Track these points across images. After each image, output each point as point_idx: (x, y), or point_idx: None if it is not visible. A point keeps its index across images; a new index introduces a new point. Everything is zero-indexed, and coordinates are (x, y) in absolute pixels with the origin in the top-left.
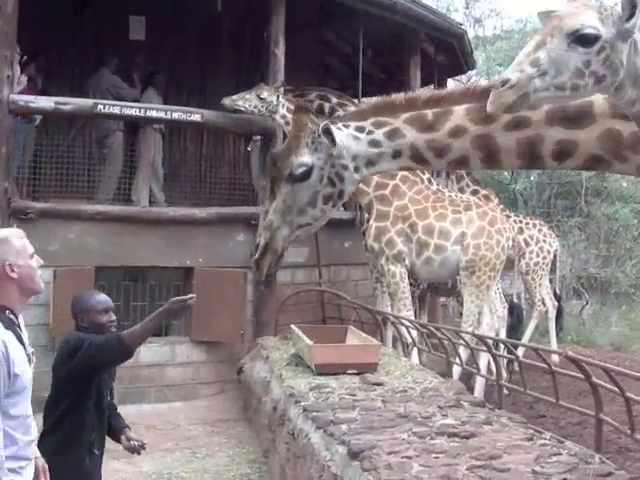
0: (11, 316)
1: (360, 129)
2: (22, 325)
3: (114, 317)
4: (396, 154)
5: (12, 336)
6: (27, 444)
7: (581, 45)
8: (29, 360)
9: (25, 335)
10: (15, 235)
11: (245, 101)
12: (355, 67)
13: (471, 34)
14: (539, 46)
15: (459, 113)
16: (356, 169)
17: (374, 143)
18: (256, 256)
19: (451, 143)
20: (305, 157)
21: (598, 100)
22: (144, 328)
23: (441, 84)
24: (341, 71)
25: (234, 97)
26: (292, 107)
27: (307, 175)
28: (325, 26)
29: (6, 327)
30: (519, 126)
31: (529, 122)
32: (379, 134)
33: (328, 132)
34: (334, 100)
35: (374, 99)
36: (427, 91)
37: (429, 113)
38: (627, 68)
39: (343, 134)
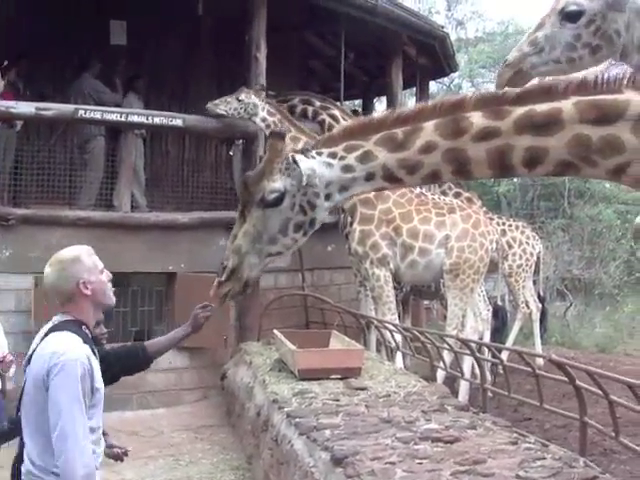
0: (87, 331)
1: (332, 155)
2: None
3: (105, 329)
4: (369, 176)
5: (90, 350)
6: (98, 456)
7: (569, 21)
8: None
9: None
10: (85, 252)
11: (226, 104)
12: (337, 70)
13: (453, 36)
14: (539, 27)
15: (428, 129)
16: (328, 196)
17: (347, 168)
18: (221, 278)
19: (422, 159)
20: (277, 183)
21: (567, 106)
22: (170, 342)
23: (423, 87)
24: (324, 74)
25: (216, 101)
26: (272, 110)
27: (279, 201)
28: (308, 29)
29: (84, 342)
30: (488, 137)
31: (498, 132)
32: (351, 159)
33: (294, 162)
34: (317, 103)
35: (345, 123)
36: (396, 110)
37: (399, 132)
38: (630, 35)
39: (315, 162)
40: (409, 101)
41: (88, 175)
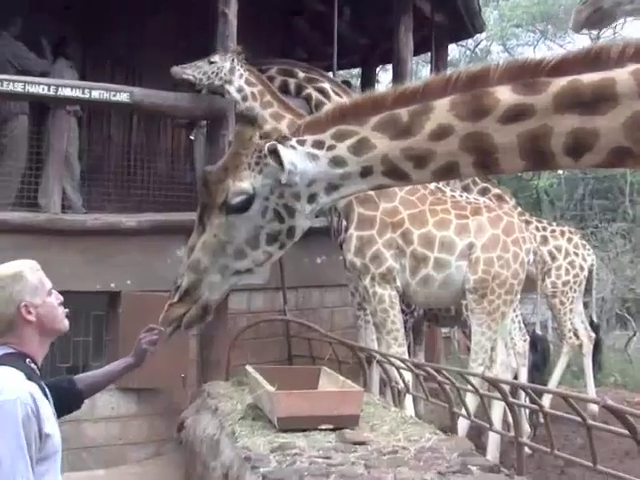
0: (32, 365)
1: (319, 144)
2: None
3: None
4: (365, 172)
5: (37, 389)
6: None
7: None
8: (55, 418)
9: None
10: (29, 268)
11: (195, 68)
12: (329, 31)
13: None
14: None
15: (442, 108)
16: (311, 198)
17: (337, 161)
18: (173, 300)
19: (434, 148)
20: (245, 183)
21: (622, 76)
22: (106, 377)
23: (440, 52)
24: (310, 36)
25: (184, 65)
26: (252, 80)
27: (246, 206)
28: None
29: (29, 378)
30: (519, 117)
31: (532, 111)
32: (342, 148)
33: (274, 153)
34: (301, 75)
35: (335, 102)
36: (399, 86)
37: (404, 113)
38: None
39: (297, 154)
40: (422, 70)
41: (6, 165)
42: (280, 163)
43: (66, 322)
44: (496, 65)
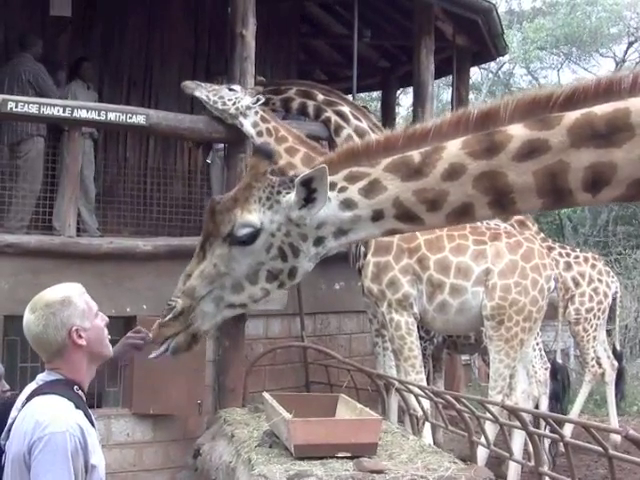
0: (80, 392)
1: (331, 186)
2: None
3: (7, 386)
4: (377, 215)
5: (85, 419)
6: None
7: None
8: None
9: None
10: (77, 292)
11: (210, 90)
12: (349, 52)
13: (502, 8)
14: None
15: (453, 148)
16: (318, 241)
17: (347, 204)
18: (164, 320)
19: (447, 189)
20: (253, 215)
21: (636, 106)
22: None
23: (462, 74)
24: (331, 57)
25: (198, 82)
26: (267, 117)
27: (251, 239)
28: None
29: (77, 407)
30: (534, 153)
31: (547, 146)
32: (354, 191)
33: (305, 185)
34: (320, 97)
35: (347, 145)
36: (409, 126)
37: (415, 154)
38: None
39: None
40: (444, 93)
41: (21, 187)
42: (310, 200)
43: (110, 347)
44: (507, 102)
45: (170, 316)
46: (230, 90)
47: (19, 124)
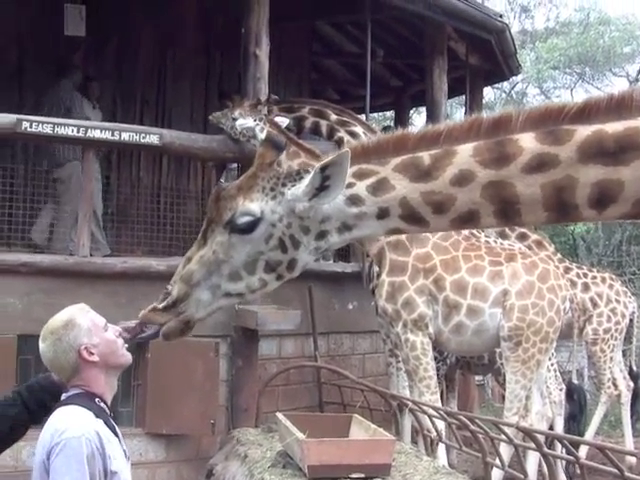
0: (101, 404)
1: None
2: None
3: None
4: (382, 213)
5: (105, 427)
6: None
7: None
8: (125, 456)
9: (118, 428)
10: (79, 312)
11: (226, 120)
12: (361, 71)
13: (515, 28)
14: None
15: (464, 154)
16: (320, 235)
17: (354, 200)
18: (158, 305)
19: (454, 194)
20: (254, 204)
21: None
22: None
23: (475, 94)
24: (343, 77)
25: (218, 113)
26: (274, 132)
27: (251, 228)
28: (323, 17)
29: (97, 416)
30: (543, 167)
31: (556, 161)
32: (361, 187)
33: (323, 171)
34: (333, 117)
35: (357, 141)
36: (422, 128)
37: (425, 156)
38: None
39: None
40: (457, 113)
41: (62, 210)
42: (328, 192)
43: (128, 355)
44: (518, 111)
45: (164, 304)
46: (233, 119)
47: (57, 149)
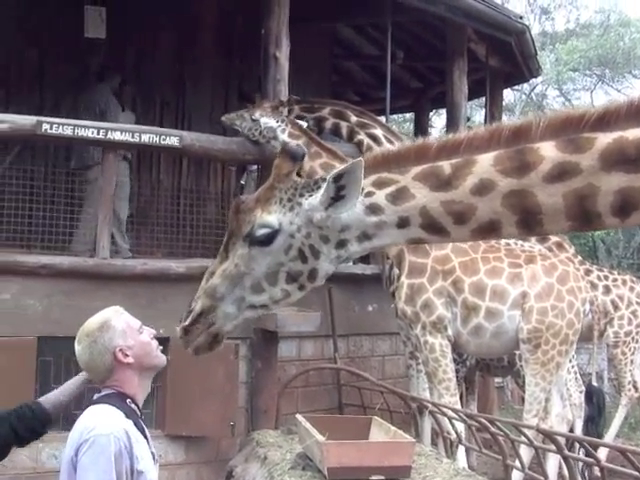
0: (132, 405)
1: None
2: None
3: None
4: (402, 222)
5: (135, 428)
6: None
7: None
8: (154, 458)
9: (147, 430)
10: (114, 314)
11: (242, 121)
12: (381, 74)
13: (536, 30)
14: None
15: (485, 163)
16: (340, 244)
17: (373, 209)
18: (185, 323)
19: (475, 203)
20: (272, 216)
21: None
22: (71, 389)
23: (495, 96)
24: (363, 79)
25: (231, 115)
26: (295, 132)
27: (269, 240)
28: (343, 20)
29: (127, 416)
30: (565, 176)
31: (577, 169)
32: (380, 196)
33: (336, 181)
34: (353, 119)
35: (378, 149)
36: (442, 137)
37: (446, 165)
38: None
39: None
40: (476, 115)
41: (85, 212)
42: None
43: (162, 357)
44: (538, 119)
45: (190, 319)
46: (253, 120)
47: (86, 149)
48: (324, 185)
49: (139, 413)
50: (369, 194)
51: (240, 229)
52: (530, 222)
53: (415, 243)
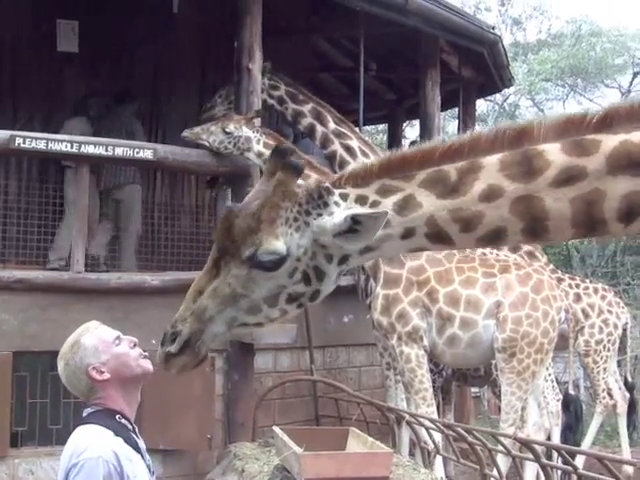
0: (123, 420)
1: (362, 200)
2: (137, 430)
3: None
4: (407, 233)
5: (125, 445)
6: None
7: None
8: (149, 471)
9: (142, 442)
10: (85, 332)
11: (210, 134)
12: (355, 85)
13: (507, 40)
14: None
15: (491, 167)
16: (343, 260)
17: None
18: (170, 349)
19: (483, 210)
20: (280, 242)
21: None
22: None
23: (468, 107)
24: (337, 90)
25: (196, 129)
26: (271, 142)
27: (276, 267)
28: (316, 32)
29: (116, 434)
30: (571, 180)
31: (584, 173)
32: (387, 206)
33: (356, 221)
34: (331, 125)
35: (383, 156)
36: (447, 140)
37: (452, 170)
38: None
39: (340, 212)
40: (450, 125)
41: (125, 230)
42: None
43: (145, 364)
44: (541, 120)
45: (177, 345)
46: (226, 133)
47: (118, 168)
48: (335, 208)
49: (131, 427)
50: (374, 204)
51: (238, 249)
52: (537, 229)
53: (415, 252)
